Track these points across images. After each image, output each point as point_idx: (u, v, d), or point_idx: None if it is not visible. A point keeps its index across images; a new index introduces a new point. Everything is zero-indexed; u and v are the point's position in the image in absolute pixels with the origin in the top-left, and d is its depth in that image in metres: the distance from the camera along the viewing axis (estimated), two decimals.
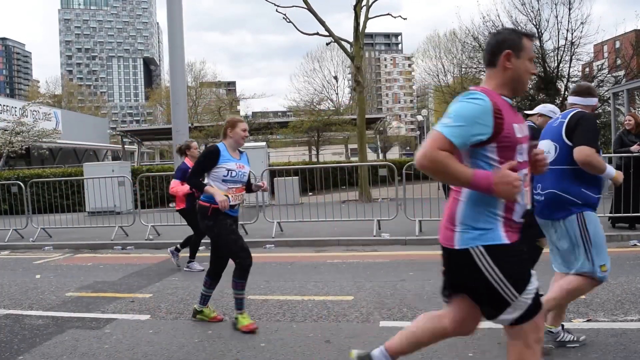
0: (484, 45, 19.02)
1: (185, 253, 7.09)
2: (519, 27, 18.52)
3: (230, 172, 4.14)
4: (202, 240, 7.07)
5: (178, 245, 7.06)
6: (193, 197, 6.62)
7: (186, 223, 7.12)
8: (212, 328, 4.31)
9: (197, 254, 6.96)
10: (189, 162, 6.62)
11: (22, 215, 11.54)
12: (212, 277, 4.38)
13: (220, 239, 4.16)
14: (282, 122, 30.26)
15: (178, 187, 6.51)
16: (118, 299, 5.46)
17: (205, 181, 4.23)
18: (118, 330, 4.36)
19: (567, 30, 17.88)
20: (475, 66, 21.50)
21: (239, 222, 9.35)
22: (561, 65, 18.42)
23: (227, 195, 4.09)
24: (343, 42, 15.06)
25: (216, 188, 4.10)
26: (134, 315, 4.82)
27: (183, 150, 6.84)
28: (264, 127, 27.14)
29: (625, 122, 8.03)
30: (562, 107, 18.04)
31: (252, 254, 6.85)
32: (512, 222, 2.13)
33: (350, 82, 48.10)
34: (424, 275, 5.90)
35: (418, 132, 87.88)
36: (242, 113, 51.70)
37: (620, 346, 3.48)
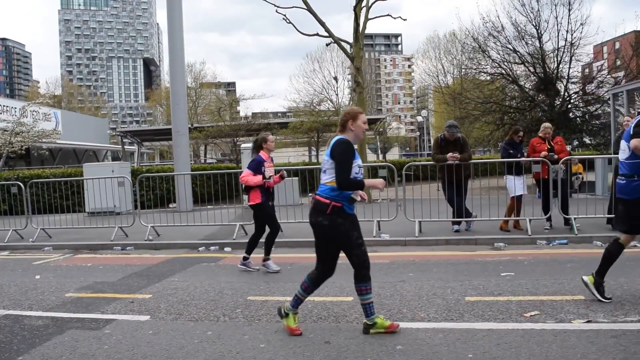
0: (483, 46, 19.05)
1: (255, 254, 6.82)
2: (519, 28, 18.54)
3: (360, 169, 3.86)
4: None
5: (245, 255, 6.65)
6: (268, 191, 6.52)
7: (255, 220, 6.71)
8: (212, 329, 4.31)
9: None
10: (265, 155, 6.49)
11: (21, 215, 11.53)
12: (315, 283, 4.12)
13: (323, 238, 3.92)
14: (282, 123, 30.27)
15: (249, 177, 6.33)
16: (118, 299, 5.46)
17: (327, 178, 3.84)
18: (118, 331, 4.36)
19: (567, 31, 17.90)
20: (475, 67, 21.48)
21: (240, 223, 9.38)
22: (561, 66, 18.43)
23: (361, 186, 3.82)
24: (343, 43, 15.06)
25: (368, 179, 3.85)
26: (134, 315, 4.81)
27: (259, 143, 6.57)
28: (264, 127, 27.11)
29: (624, 124, 8.03)
30: (561, 107, 18.07)
31: (252, 255, 6.88)
32: None
33: (350, 82, 48.09)
34: (424, 276, 5.91)
35: (418, 133, 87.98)
36: (242, 114, 51.71)
37: (620, 347, 3.49)
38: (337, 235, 3.85)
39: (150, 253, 8.56)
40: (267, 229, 6.61)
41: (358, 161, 3.85)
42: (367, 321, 3.96)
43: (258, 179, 6.33)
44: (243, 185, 6.63)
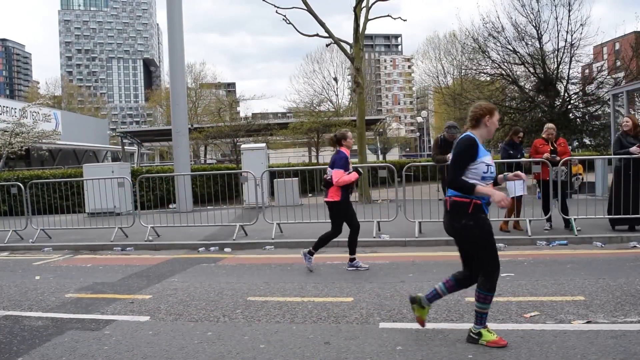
0: (483, 47, 18.98)
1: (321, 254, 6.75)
2: (519, 29, 18.53)
3: (489, 167, 3.61)
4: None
5: (311, 249, 6.53)
6: (348, 189, 6.36)
7: (330, 218, 6.49)
8: (212, 330, 4.31)
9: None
10: (347, 151, 6.35)
11: (21, 216, 11.52)
12: (461, 284, 3.82)
13: (480, 240, 3.60)
14: (282, 124, 30.27)
15: (345, 177, 6.15)
16: (117, 300, 5.46)
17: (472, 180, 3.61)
18: (117, 331, 4.36)
19: (567, 32, 17.86)
20: (474, 67, 21.48)
21: (240, 224, 9.38)
22: (561, 66, 18.41)
23: None
24: (343, 44, 15.07)
25: (486, 186, 3.58)
26: (134, 316, 4.82)
27: (338, 140, 6.40)
28: (264, 128, 27.15)
29: (624, 124, 8.04)
30: (561, 108, 18.07)
31: (251, 255, 6.88)
32: None
33: (350, 83, 48.13)
34: (424, 276, 5.91)
35: (418, 134, 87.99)
36: (241, 114, 51.74)
37: (620, 348, 3.49)
38: (484, 233, 3.59)
39: (150, 254, 8.56)
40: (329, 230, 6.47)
41: (486, 159, 3.61)
42: (480, 329, 3.68)
43: (354, 175, 6.21)
44: (323, 182, 6.38)
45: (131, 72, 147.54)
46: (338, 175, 6.17)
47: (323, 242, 6.50)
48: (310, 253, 6.49)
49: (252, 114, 51.18)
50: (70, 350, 3.93)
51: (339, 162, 6.22)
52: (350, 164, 6.36)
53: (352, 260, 6.44)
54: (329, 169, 6.40)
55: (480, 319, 3.66)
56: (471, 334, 3.69)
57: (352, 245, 6.44)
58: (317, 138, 27.61)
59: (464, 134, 3.73)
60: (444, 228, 3.84)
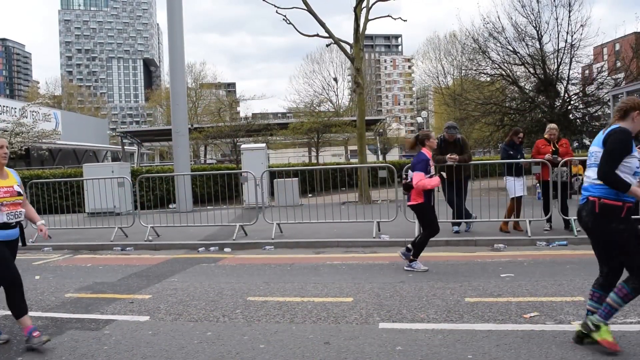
0: (483, 47, 18.91)
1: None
2: (519, 29, 18.54)
3: None
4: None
5: (409, 246, 6.43)
6: (431, 190, 6.23)
7: (417, 219, 6.43)
8: (212, 329, 4.31)
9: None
10: (428, 153, 6.22)
11: None
12: (605, 289, 3.59)
13: (629, 244, 3.40)
14: (282, 124, 30.29)
15: (426, 181, 6.01)
16: (117, 300, 5.46)
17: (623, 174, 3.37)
18: (117, 331, 4.36)
19: (567, 33, 17.86)
20: (475, 68, 21.48)
21: (240, 224, 9.39)
22: (561, 67, 18.41)
23: None
24: (343, 44, 15.07)
25: (637, 184, 3.34)
26: (133, 316, 4.82)
27: (421, 140, 6.25)
28: (264, 128, 27.15)
29: None
30: (561, 109, 18.08)
31: (251, 255, 6.86)
32: None
33: (350, 83, 48.18)
34: (423, 276, 5.91)
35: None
36: (241, 114, 51.78)
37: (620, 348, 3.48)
38: (632, 236, 3.39)
39: (150, 253, 8.56)
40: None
41: (637, 153, 3.39)
42: (594, 321, 3.48)
43: (436, 181, 6.11)
44: (402, 185, 6.26)
45: (131, 72, 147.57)
46: (418, 178, 6.05)
47: (422, 245, 6.33)
48: (409, 251, 6.39)
49: (252, 114, 51.31)
50: (70, 350, 3.93)
51: (420, 164, 6.10)
52: (431, 166, 6.22)
53: (412, 261, 6.30)
54: (409, 171, 6.29)
55: (609, 313, 3.44)
56: (589, 322, 3.48)
57: (420, 246, 6.28)
58: (317, 138, 27.60)
59: (615, 125, 3.42)
60: (579, 225, 3.66)
